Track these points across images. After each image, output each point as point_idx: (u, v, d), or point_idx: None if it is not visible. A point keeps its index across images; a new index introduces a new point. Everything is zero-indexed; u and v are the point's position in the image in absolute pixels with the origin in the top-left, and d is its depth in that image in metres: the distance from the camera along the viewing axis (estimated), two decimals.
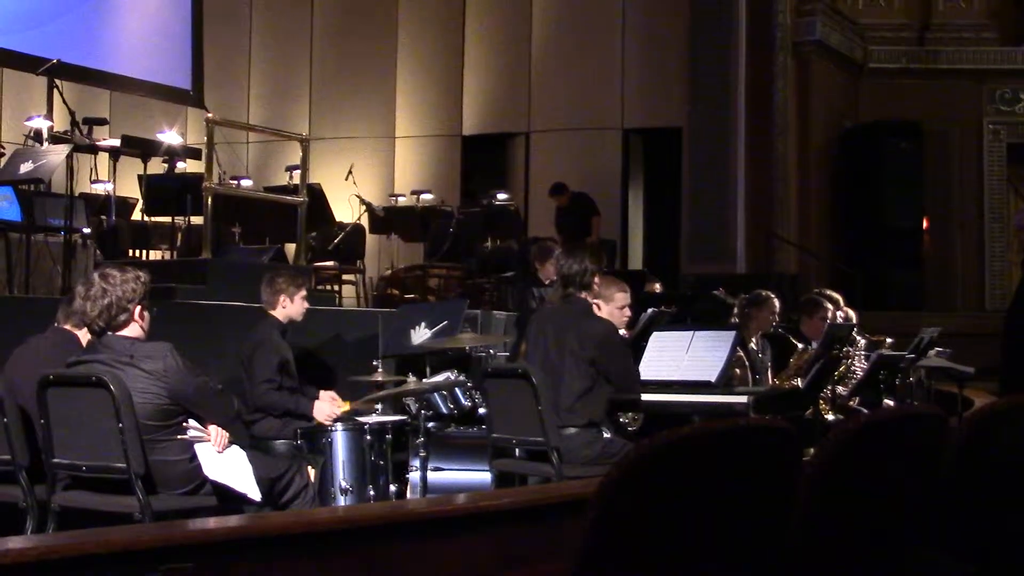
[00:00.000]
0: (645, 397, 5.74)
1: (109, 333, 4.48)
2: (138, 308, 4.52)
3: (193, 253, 10.88)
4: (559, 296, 5.77)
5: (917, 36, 15.48)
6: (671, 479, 2.14)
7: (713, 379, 5.74)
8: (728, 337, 5.89)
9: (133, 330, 4.52)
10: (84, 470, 4.40)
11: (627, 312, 6.10)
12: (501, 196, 13.00)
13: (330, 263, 11.66)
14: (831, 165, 14.91)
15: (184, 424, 4.58)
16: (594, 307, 5.59)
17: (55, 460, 4.44)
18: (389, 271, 12.71)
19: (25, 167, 7.64)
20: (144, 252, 11.05)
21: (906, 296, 14.58)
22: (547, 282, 7.91)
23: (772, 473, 2.28)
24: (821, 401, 6.85)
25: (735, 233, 13.47)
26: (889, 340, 8.78)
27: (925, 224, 15.10)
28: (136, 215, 11.63)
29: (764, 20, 13.67)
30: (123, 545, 2.97)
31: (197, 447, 4.57)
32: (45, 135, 9.18)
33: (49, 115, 9.96)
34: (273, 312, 6.38)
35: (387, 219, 12.84)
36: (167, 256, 11.98)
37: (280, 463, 5.15)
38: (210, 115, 9.69)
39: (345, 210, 12.46)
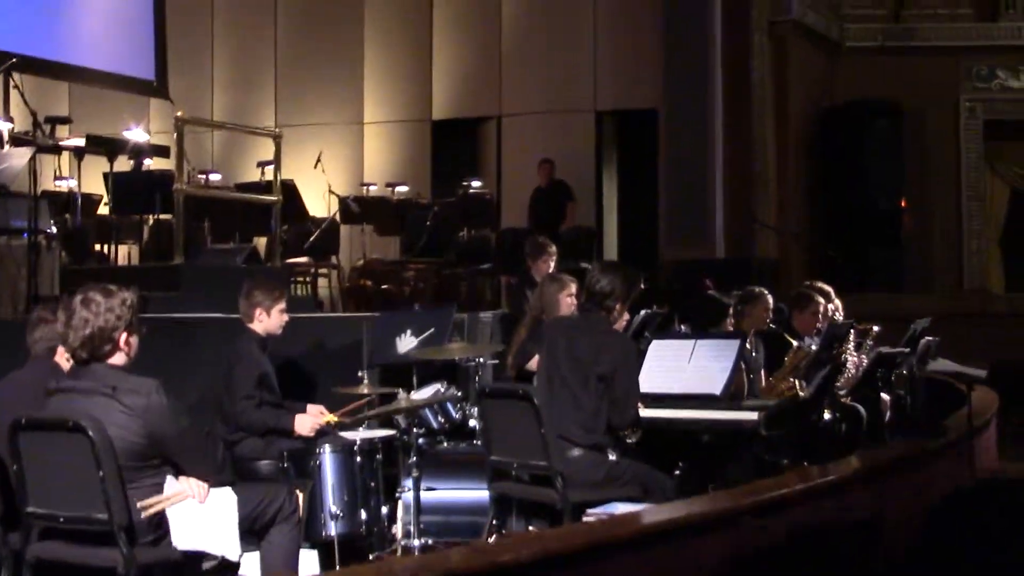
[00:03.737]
0: (647, 413, 5.49)
1: (94, 362, 4.17)
2: (124, 336, 4.19)
3: (162, 249, 10.56)
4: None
5: (893, 13, 15.34)
6: None
7: (718, 392, 5.51)
8: (732, 346, 5.65)
9: (118, 359, 4.20)
10: (62, 520, 4.09)
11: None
12: (476, 184, 12.71)
13: (304, 259, 11.37)
14: (809, 145, 14.71)
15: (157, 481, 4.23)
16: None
17: (30, 509, 4.13)
18: (361, 261, 12.37)
19: None
20: (112, 247, 10.68)
21: (885, 277, 14.45)
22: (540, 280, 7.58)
23: None
24: None
25: (714, 216, 13.23)
26: (876, 328, 8.57)
27: (903, 203, 14.96)
28: (102, 209, 11.27)
29: None
30: None
31: (169, 511, 4.17)
32: (6, 137, 8.80)
33: (7, 115, 9.58)
34: (251, 325, 6.11)
35: (361, 212, 12.52)
36: (135, 251, 11.63)
37: (256, 492, 4.73)
38: (179, 114, 9.34)
39: (317, 202, 12.15)
